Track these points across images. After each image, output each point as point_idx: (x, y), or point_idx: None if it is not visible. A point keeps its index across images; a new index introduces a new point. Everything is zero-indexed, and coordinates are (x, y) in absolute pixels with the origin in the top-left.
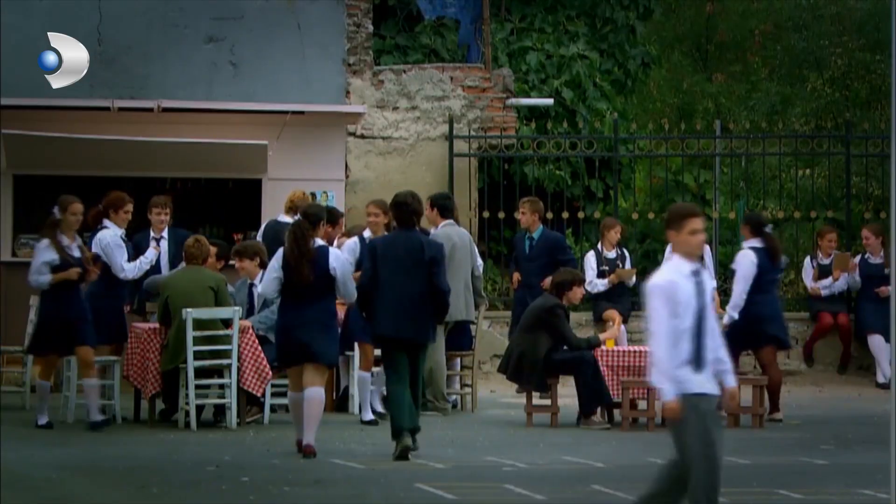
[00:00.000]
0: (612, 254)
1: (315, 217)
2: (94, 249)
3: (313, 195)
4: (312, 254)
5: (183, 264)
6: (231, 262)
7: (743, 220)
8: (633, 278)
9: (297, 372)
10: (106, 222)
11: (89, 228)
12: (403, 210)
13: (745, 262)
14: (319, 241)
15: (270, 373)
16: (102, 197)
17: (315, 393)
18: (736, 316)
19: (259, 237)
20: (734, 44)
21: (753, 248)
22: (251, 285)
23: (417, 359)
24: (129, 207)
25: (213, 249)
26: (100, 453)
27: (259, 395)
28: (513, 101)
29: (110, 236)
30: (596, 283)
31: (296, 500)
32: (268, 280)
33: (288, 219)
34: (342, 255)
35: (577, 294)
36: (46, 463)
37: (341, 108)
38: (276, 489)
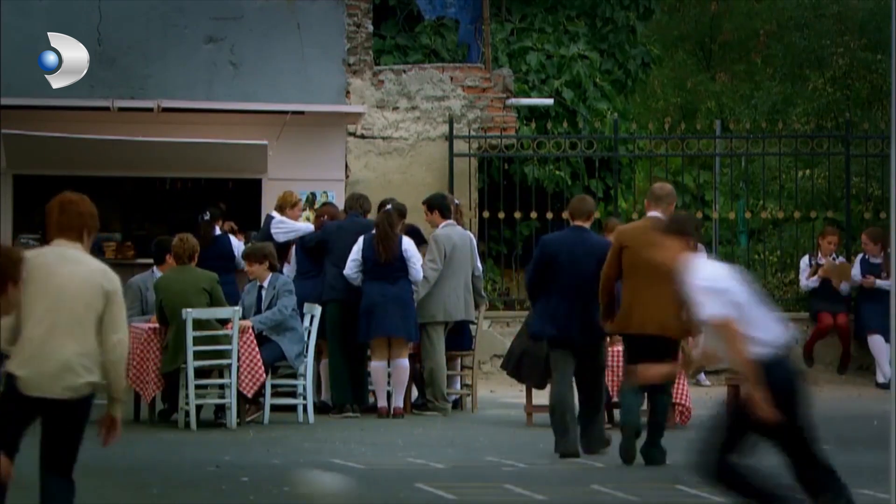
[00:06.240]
0: None
1: (403, 209)
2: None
3: (313, 195)
4: (396, 238)
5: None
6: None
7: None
8: None
9: (382, 343)
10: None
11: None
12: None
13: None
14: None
15: (264, 374)
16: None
17: (402, 363)
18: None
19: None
20: (738, 43)
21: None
22: (260, 287)
23: None
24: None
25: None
26: (100, 453)
27: (249, 395)
28: (513, 101)
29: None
30: None
31: (296, 500)
32: (351, 263)
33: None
34: (411, 242)
35: None
36: None
37: (341, 108)
38: (276, 489)
